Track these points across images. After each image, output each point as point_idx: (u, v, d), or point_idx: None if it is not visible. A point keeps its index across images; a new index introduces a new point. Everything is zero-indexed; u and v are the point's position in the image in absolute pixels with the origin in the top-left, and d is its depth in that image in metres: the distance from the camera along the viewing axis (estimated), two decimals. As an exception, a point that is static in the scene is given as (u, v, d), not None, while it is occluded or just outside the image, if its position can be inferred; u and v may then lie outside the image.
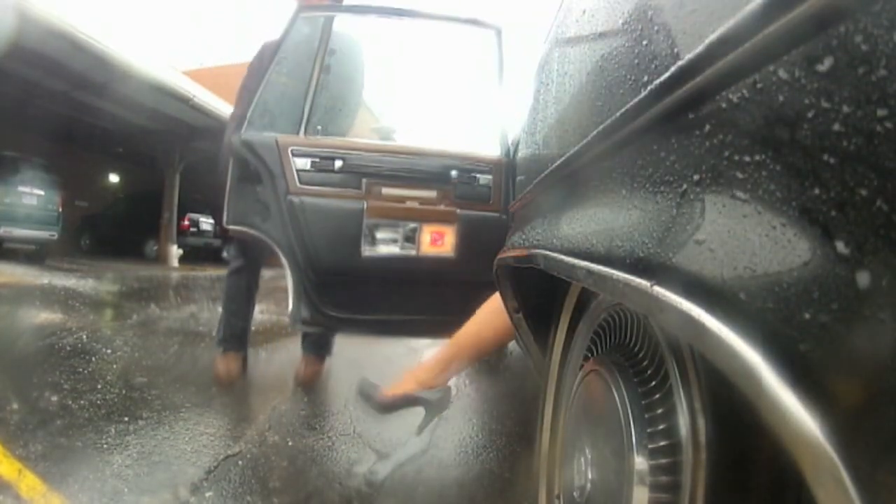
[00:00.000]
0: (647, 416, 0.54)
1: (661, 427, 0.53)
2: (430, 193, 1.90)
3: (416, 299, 1.92)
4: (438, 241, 1.89)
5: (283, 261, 1.82)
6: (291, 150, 1.82)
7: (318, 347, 2.29)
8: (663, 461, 0.51)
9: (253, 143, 1.83)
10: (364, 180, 1.86)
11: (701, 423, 0.48)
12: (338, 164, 1.84)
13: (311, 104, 1.92)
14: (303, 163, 1.83)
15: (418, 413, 1.42)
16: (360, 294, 1.90)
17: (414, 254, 1.88)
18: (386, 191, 1.87)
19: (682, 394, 0.52)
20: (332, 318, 1.88)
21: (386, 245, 1.87)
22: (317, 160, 1.84)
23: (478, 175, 1.94)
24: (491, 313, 1.42)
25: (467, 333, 1.44)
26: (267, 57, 1.97)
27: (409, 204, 1.88)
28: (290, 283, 1.83)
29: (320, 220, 1.81)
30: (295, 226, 1.80)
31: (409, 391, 1.41)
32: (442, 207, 1.89)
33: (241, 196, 1.89)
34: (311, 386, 2.22)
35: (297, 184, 1.81)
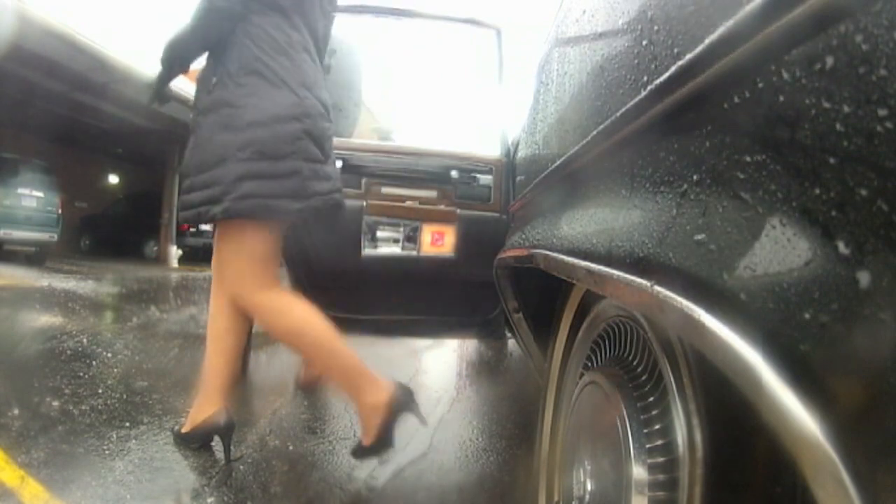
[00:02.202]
0: (645, 431, 0.54)
1: (658, 443, 0.53)
2: (431, 193, 1.89)
3: (416, 299, 1.91)
4: (439, 241, 1.87)
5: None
6: None
7: None
8: (661, 477, 0.51)
9: None
10: (363, 180, 1.84)
11: (698, 437, 0.48)
12: (337, 164, 1.84)
13: None
14: None
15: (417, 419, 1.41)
16: (361, 294, 1.88)
17: (415, 254, 1.87)
18: (386, 190, 1.86)
19: (679, 409, 0.52)
20: (332, 318, 1.87)
21: (386, 245, 1.86)
22: None
23: (478, 175, 1.93)
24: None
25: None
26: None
27: (409, 203, 1.87)
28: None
29: (320, 219, 1.81)
30: (294, 225, 1.79)
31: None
32: (442, 207, 1.88)
33: None
34: (311, 390, 2.22)
35: None
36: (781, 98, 0.30)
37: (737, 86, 0.34)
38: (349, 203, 1.83)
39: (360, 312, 1.90)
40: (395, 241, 1.86)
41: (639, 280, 0.40)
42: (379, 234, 1.85)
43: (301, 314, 1.36)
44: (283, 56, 1.31)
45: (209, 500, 1.24)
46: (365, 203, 1.83)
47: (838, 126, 0.26)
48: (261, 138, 1.25)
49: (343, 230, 1.82)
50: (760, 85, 0.31)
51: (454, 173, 1.90)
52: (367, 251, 1.84)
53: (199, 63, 1.54)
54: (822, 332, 0.25)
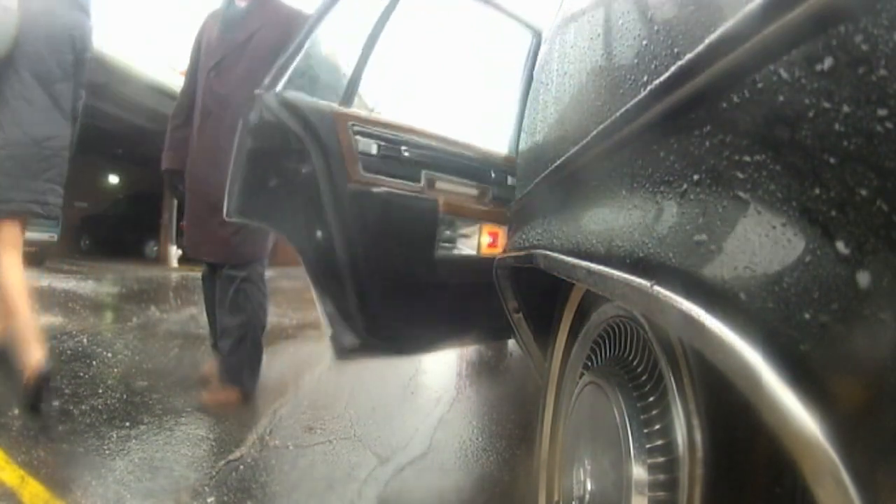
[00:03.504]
0: (645, 431, 0.54)
1: (658, 443, 0.53)
2: (475, 191, 1.69)
3: (477, 305, 1.57)
4: (494, 242, 1.71)
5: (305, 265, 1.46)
6: (353, 127, 1.41)
7: (235, 374, 1.94)
8: (661, 477, 0.51)
9: (300, 107, 1.37)
10: (423, 171, 1.54)
11: (698, 437, 0.48)
12: (403, 149, 1.50)
13: (361, 76, 1.51)
14: (366, 144, 1.44)
15: (418, 416, 1.41)
16: (433, 304, 1.60)
17: (475, 255, 1.68)
18: (440, 185, 1.59)
19: (679, 409, 0.52)
20: (393, 339, 1.56)
21: (458, 246, 1.67)
22: (382, 143, 1.47)
23: (508, 175, 1.74)
24: None
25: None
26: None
27: (470, 204, 1.65)
28: (317, 296, 1.46)
29: (386, 218, 1.47)
30: (357, 224, 1.42)
31: None
32: (493, 207, 1.71)
33: (253, 179, 1.43)
34: (308, 390, 2.22)
35: (361, 171, 1.42)
36: (781, 98, 0.30)
37: (737, 86, 0.34)
38: (420, 198, 1.52)
39: (429, 326, 1.61)
40: (463, 241, 1.68)
41: (639, 280, 0.40)
42: (450, 234, 1.63)
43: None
44: (4, 104, 1.83)
45: (209, 499, 1.24)
46: (441, 199, 1.54)
47: (838, 126, 0.26)
48: None
49: (413, 230, 1.55)
50: (760, 85, 0.31)
51: (493, 172, 1.73)
52: (441, 254, 1.58)
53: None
54: (822, 332, 0.25)
